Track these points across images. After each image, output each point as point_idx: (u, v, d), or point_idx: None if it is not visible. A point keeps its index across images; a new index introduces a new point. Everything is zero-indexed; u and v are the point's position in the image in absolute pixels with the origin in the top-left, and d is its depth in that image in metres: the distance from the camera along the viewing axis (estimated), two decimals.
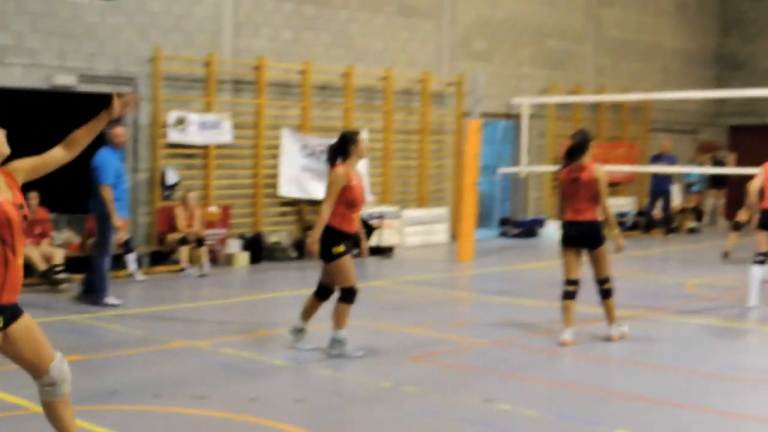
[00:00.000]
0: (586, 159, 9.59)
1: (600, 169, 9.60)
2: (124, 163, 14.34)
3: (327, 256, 8.81)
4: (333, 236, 8.75)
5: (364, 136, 9.12)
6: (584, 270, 9.85)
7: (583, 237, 9.58)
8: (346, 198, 8.74)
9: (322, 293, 9.11)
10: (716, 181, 24.67)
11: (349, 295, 8.86)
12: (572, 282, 9.68)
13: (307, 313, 9.20)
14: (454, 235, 18.94)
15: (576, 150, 9.59)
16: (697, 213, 23.88)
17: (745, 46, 27.38)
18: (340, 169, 8.78)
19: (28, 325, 5.07)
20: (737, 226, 16.83)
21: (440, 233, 19.51)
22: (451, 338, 9.99)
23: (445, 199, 20.08)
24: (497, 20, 20.98)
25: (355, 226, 8.92)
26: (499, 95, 20.67)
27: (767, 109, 26.37)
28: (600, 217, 9.60)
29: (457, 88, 19.93)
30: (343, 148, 8.88)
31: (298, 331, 9.21)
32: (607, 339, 9.85)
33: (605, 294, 9.80)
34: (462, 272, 15.91)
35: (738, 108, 27.01)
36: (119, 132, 11.83)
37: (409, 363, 8.76)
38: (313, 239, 8.74)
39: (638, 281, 14.27)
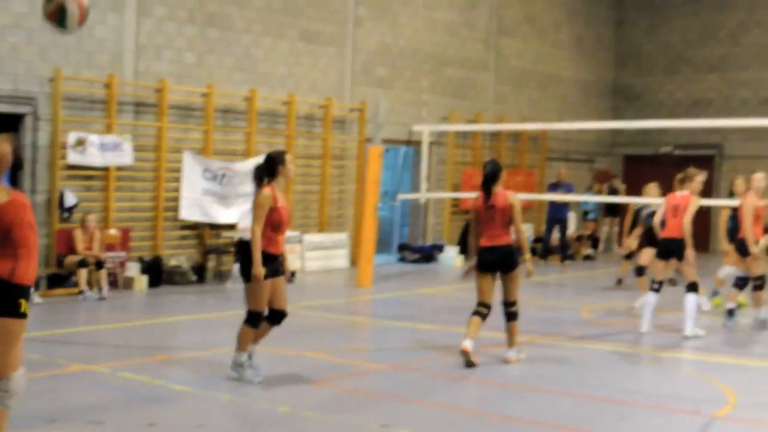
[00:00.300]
0: (499, 187, 10.07)
1: (514, 195, 10.11)
2: (20, 184, 14.15)
3: (247, 276, 8.79)
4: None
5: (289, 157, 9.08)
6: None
7: (498, 261, 10.01)
8: (271, 220, 8.71)
9: (251, 320, 9.00)
10: (611, 210, 25.37)
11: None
12: (485, 305, 10.09)
13: (255, 339, 9.04)
14: (354, 261, 19.04)
15: (490, 179, 10.04)
16: (593, 240, 24.43)
17: (639, 78, 28.22)
18: (267, 190, 8.75)
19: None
20: (629, 256, 17.29)
21: (340, 258, 19.59)
22: (350, 363, 10.06)
23: (345, 224, 20.19)
24: (399, 48, 21.24)
25: (280, 249, 8.90)
26: (400, 122, 20.91)
27: (661, 139, 27.19)
28: (513, 242, 10.07)
29: (359, 114, 20.10)
30: (270, 169, 8.84)
31: (239, 366, 8.99)
32: (505, 361, 10.06)
33: (511, 316, 10.15)
34: (361, 297, 16.00)
35: (633, 138, 27.81)
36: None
37: (309, 387, 8.80)
38: (256, 264, 8.63)
39: (535, 307, 14.48)
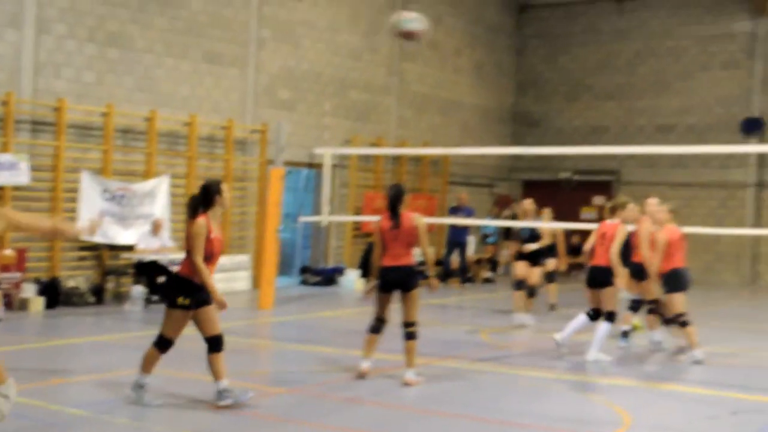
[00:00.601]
0: (405, 209, 10.33)
1: (420, 218, 10.41)
2: None
3: (172, 303, 8.69)
4: (183, 285, 8.66)
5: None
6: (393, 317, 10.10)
7: (399, 281, 10.26)
8: (204, 250, 8.64)
9: (161, 344, 8.86)
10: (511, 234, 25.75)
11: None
12: (381, 319, 10.40)
13: (147, 364, 8.89)
14: (256, 283, 18.95)
15: (395, 200, 10.31)
16: (492, 264, 24.75)
17: (539, 105, 28.76)
18: (202, 219, 8.69)
19: None
20: (551, 278, 17.62)
21: (242, 281, 19.48)
22: (251, 386, 10.01)
23: (247, 246, 20.10)
24: (302, 70, 21.28)
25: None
26: (302, 144, 20.93)
27: (560, 165, 27.78)
28: (415, 264, 10.38)
29: (261, 136, 20.07)
30: (206, 199, 8.79)
31: (139, 387, 8.87)
32: (405, 383, 10.12)
33: (410, 336, 10.29)
34: (262, 320, 15.93)
35: (532, 164, 28.29)
36: None
37: (208, 411, 8.73)
38: (214, 294, 8.61)
39: (434, 329, 14.57)
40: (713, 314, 18.08)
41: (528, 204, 16.47)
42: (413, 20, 12.01)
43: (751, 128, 25.76)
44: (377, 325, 10.42)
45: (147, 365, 8.82)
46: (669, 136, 26.81)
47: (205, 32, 18.91)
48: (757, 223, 25.37)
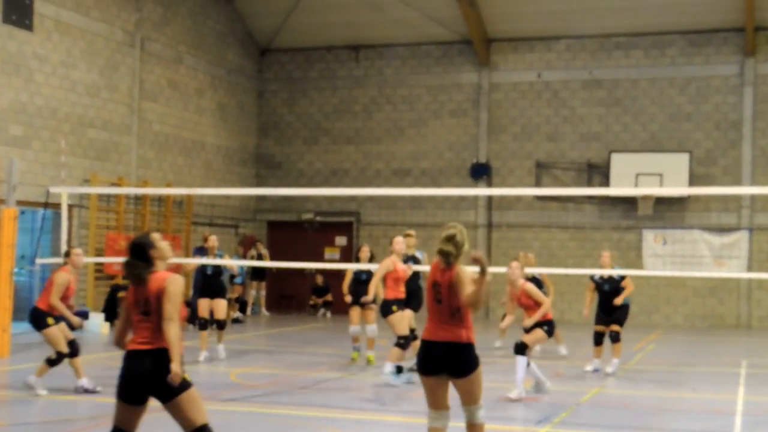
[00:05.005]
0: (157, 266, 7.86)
1: (172, 281, 7.53)
2: None
3: None
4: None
5: None
6: None
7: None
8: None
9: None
10: (257, 274, 25.82)
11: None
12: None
13: None
14: None
15: (142, 260, 7.67)
16: (241, 304, 24.52)
17: (281, 147, 28.88)
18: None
19: None
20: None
21: None
22: None
23: None
24: (36, 107, 20.33)
25: None
26: (37, 183, 19.96)
27: (302, 206, 27.99)
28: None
29: None
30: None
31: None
32: None
33: None
34: None
35: (276, 205, 28.36)
36: None
37: None
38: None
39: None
40: None
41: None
42: None
43: (478, 173, 26.98)
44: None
45: None
46: (405, 179, 27.62)
47: None
48: (488, 262, 26.35)
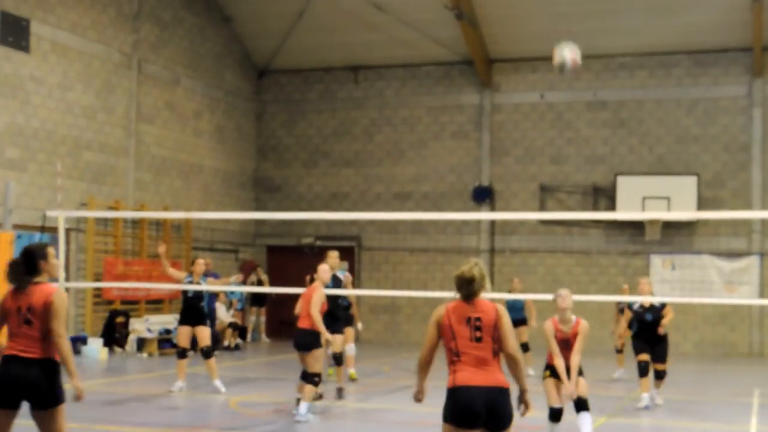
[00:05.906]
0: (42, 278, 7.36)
1: (61, 294, 7.37)
2: None
3: None
4: None
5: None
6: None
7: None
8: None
9: None
10: (257, 299, 25.22)
11: None
12: None
13: None
14: None
15: (28, 266, 7.42)
16: (240, 330, 23.95)
17: (280, 170, 28.40)
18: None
19: None
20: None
21: None
22: None
23: None
24: (32, 129, 19.87)
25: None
26: (33, 207, 19.47)
27: (302, 230, 27.48)
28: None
29: None
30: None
31: None
32: None
33: None
34: None
35: (275, 229, 27.84)
36: None
37: None
38: None
39: (180, 398, 13.86)
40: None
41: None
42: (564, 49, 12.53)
43: (481, 197, 26.50)
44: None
45: None
46: (406, 202, 27.13)
47: None
48: (491, 288, 25.89)
